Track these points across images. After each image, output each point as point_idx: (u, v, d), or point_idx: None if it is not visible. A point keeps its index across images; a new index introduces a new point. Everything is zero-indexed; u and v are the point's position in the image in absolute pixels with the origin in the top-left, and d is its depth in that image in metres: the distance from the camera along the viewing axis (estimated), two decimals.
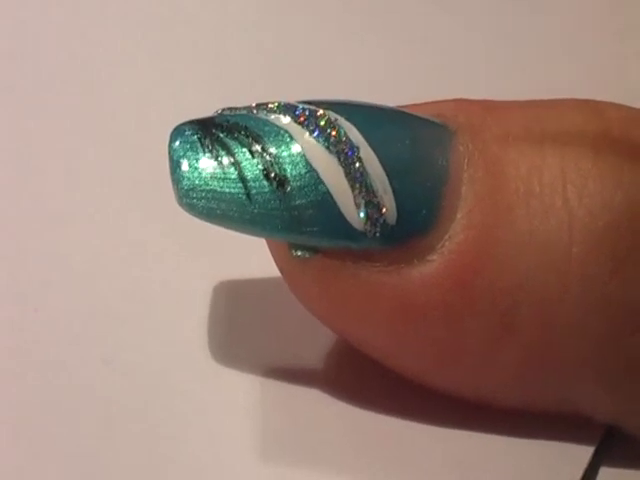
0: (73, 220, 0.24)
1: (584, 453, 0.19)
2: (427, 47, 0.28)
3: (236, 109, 0.19)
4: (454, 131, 0.19)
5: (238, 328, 0.22)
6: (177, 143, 0.19)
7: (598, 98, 0.19)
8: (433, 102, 0.20)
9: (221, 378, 0.21)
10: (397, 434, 0.20)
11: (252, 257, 0.22)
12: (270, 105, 0.19)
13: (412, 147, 0.18)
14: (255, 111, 0.19)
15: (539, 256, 0.18)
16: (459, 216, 0.18)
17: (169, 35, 0.28)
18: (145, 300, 0.22)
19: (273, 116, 0.19)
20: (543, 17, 0.28)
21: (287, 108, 0.19)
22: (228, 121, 0.19)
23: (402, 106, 0.19)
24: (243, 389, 0.21)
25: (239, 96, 0.21)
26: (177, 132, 0.19)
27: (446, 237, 0.18)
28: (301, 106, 0.19)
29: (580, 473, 0.19)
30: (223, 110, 0.19)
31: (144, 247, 0.23)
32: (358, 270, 0.19)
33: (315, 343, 0.21)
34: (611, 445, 0.19)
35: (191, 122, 0.19)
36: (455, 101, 0.19)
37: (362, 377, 0.21)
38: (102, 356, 0.21)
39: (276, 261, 0.20)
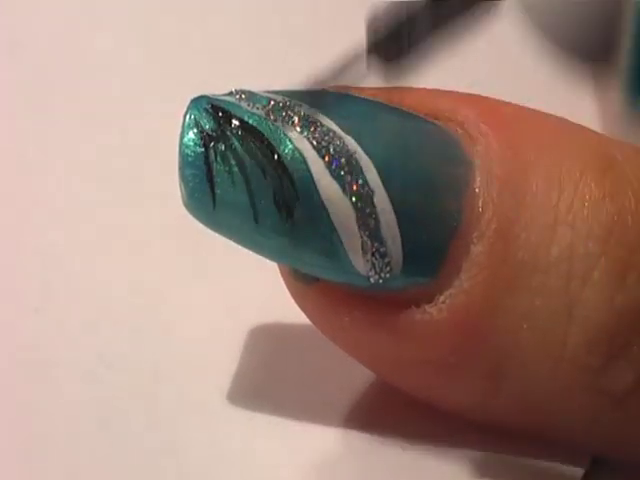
0: (73, 220, 0.24)
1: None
2: None
3: (252, 100, 0.18)
4: (472, 167, 0.18)
5: (238, 328, 0.22)
6: (190, 139, 0.18)
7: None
8: (455, 99, 0.19)
9: (221, 378, 0.21)
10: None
11: (254, 262, 0.22)
12: (290, 108, 0.18)
13: (430, 194, 0.18)
14: (272, 115, 0.18)
15: (535, 335, 0.18)
16: (463, 276, 0.18)
17: (169, 34, 0.28)
18: (145, 300, 0.22)
19: (291, 129, 0.18)
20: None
21: (308, 122, 0.18)
22: (246, 122, 0.18)
23: (423, 93, 0.19)
24: (244, 389, 0.21)
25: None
26: (191, 123, 0.18)
27: (447, 293, 0.18)
28: (324, 125, 0.18)
29: None
30: (239, 94, 0.18)
31: (144, 247, 0.23)
32: (355, 308, 0.18)
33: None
34: (599, 471, 0.20)
35: (207, 111, 0.18)
36: (478, 113, 0.19)
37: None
38: (102, 356, 0.21)
39: (282, 275, 0.20)
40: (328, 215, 0.18)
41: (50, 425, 0.20)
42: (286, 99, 0.18)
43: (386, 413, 0.20)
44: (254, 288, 0.22)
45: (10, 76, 0.27)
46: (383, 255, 0.18)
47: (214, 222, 0.18)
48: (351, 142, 0.18)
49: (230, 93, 0.19)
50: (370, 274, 0.18)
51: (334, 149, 0.18)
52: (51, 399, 0.21)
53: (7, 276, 0.23)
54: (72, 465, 0.20)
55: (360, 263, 0.18)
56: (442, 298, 0.18)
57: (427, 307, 0.18)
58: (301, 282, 0.19)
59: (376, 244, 0.18)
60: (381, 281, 0.18)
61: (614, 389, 0.18)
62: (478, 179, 0.18)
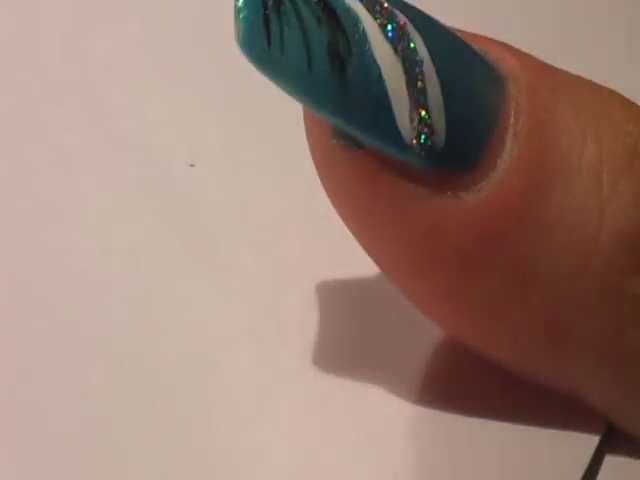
0: (73, 219, 0.24)
1: (586, 449, 0.20)
2: None
3: None
4: (505, 78, 0.19)
5: (238, 329, 0.22)
6: None
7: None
8: (481, 37, 0.20)
9: (222, 380, 0.21)
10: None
11: (253, 260, 0.23)
12: None
13: (471, 82, 0.19)
14: None
15: (567, 232, 0.18)
16: (500, 167, 0.18)
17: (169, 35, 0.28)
18: (146, 300, 0.22)
19: None
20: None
21: None
22: None
23: (453, 28, 0.19)
24: (244, 389, 0.21)
25: None
26: None
27: (484, 183, 0.18)
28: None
29: (582, 470, 0.19)
30: None
31: (145, 247, 0.23)
32: (394, 181, 0.18)
33: None
34: (613, 439, 0.20)
35: None
36: (506, 48, 0.19)
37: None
38: (102, 356, 0.21)
39: (313, 148, 0.19)
40: (380, 72, 0.18)
41: (50, 425, 0.20)
42: None
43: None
44: (253, 287, 0.22)
45: (10, 76, 0.27)
46: (428, 125, 0.18)
47: (267, 63, 0.18)
48: (402, 17, 0.18)
49: None
50: (414, 143, 0.18)
51: (388, 15, 0.18)
52: (51, 399, 0.20)
53: (7, 276, 0.22)
54: (72, 465, 0.19)
55: (406, 128, 0.18)
56: (478, 187, 0.18)
57: (463, 194, 0.18)
58: (343, 143, 0.19)
59: (423, 111, 0.18)
60: (423, 153, 0.18)
61: (637, 294, 0.18)
62: (511, 86, 0.19)
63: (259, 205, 0.24)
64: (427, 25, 0.19)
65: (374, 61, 0.18)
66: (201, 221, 0.23)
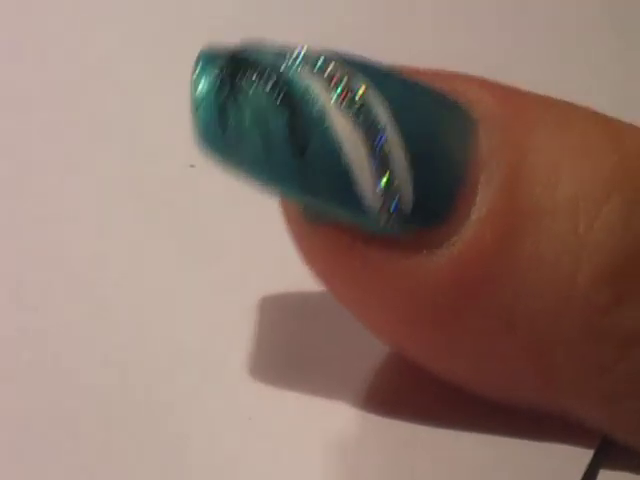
0: (74, 219, 0.24)
1: (582, 460, 0.20)
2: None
3: (264, 46, 0.18)
4: (475, 123, 0.18)
5: (239, 329, 0.22)
6: (202, 74, 0.18)
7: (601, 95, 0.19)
8: (456, 75, 0.19)
9: (222, 381, 0.21)
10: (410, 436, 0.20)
11: (251, 264, 0.23)
12: (303, 52, 0.18)
13: (437, 138, 0.18)
14: (285, 58, 0.18)
15: (544, 276, 0.18)
16: (472, 218, 0.18)
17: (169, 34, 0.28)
18: (146, 300, 0.22)
19: (304, 70, 0.18)
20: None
21: (320, 64, 0.18)
22: (259, 62, 0.18)
23: (425, 71, 0.19)
24: (245, 391, 0.21)
25: None
26: (204, 62, 0.18)
27: (456, 237, 0.18)
28: (335, 65, 0.18)
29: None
30: (248, 47, 0.19)
31: (145, 247, 0.23)
32: (366, 252, 0.18)
33: None
34: (608, 452, 0.19)
35: (220, 52, 0.18)
36: (479, 83, 0.19)
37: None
38: (102, 356, 0.21)
39: (287, 221, 0.19)
40: (340, 149, 0.18)
41: (50, 425, 0.20)
42: (299, 47, 0.19)
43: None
44: (256, 278, 0.22)
45: (10, 76, 0.27)
46: (394, 191, 0.18)
47: (226, 155, 0.18)
48: (363, 79, 0.18)
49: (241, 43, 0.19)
50: (382, 212, 0.18)
51: (346, 84, 0.18)
52: (51, 399, 0.21)
53: (7, 276, 0.23)
54: (72, 465, 0.20)
55: (371, 200, 0.18)
56: (451, 242, 0.18)
57: (436, 251, 0.18)
58: (309, 221, 0.19)
59: (387, 180, 0.18)
60: (391, 221, 0.18)
61: (620, 332, 0.18)
62: (482, 131, 0.18)
63: (259, 205, 0.24)
64: (390, 84, 0.18)
65: (333, 138, 0.18)
66: (201, 221, 0.24)
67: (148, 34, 0.28)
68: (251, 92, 0.18)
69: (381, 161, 0.18)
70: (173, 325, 0.22)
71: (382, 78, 0.18)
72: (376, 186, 0.18)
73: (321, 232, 0.19)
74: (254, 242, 0.23)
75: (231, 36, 0.19)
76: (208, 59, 0.18)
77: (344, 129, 0.18)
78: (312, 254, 0.19)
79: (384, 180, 0.18)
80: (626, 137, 0.19)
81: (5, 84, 0.26)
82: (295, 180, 0.18)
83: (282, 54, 0.18)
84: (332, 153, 0.18)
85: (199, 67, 0.18)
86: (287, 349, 0.21)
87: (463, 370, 0.19)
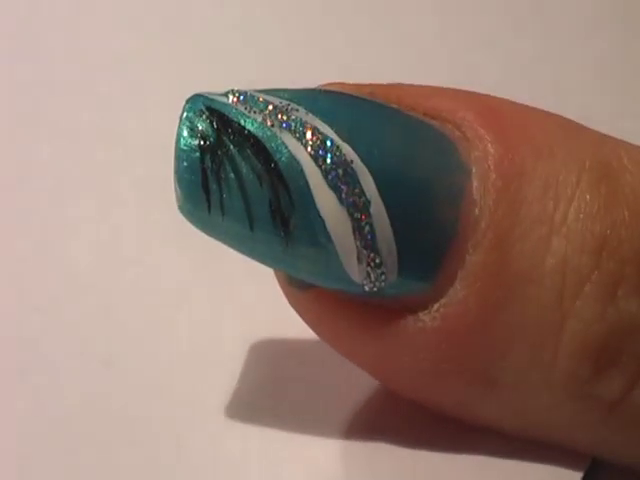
0: (75, 219, 0.24)
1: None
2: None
3: (249, 104, 0.18)
4: (469, 174, 0.18)
5: (239, 335, 0.22)
6: (186, 144, 0.18)
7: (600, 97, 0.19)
8: (455, 100, 0.19)
9: (221, 383, 0.21)
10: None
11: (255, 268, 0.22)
12: (288, 112, 0.18)
13: (427, 204, 0.18)
14: (270, 120, 0.18)
15: (527, 346, 0.18)
16: (458, 285, 0.18)
17: (171, 33, 0.28)
18: (147, 300, 0.22)
19: (289, 136, 0.18)
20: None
21: (305, 130, 0.18)
22: (243, 128, 0.18)
23: (422, 92, 0.19)
24: (244, 396, 0.21)
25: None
26: (187, 126, 0.18)
27: (441, 302, 0.18)
28: (322, 132, 0.18)
29: None
30: (236, 96, 0.18)
31: (146, 247, 0.23)
32: (351, 313, 0.19)
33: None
34: (597, 473, 0.20)
35: (202, 114, 0.18)
36: (476, 113, 0.18)
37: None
38: (102, 357, 0.21)
39: (279, 283, 0.19)
40: (324, 225, 0.18)
41: (50, 425, 0.20)
42: (284, 102, 0.18)
43: (388, 421, 0.20)
44: (254, 295, 0.22)
45: (10, 76, 0.27)
46: (378, 265, 0.18)
47: (209, 227, 0.18)
48: (349, 151, 0.18)
49: (227, 93, 0.18)
50: (365, 282, 0.18)
51: (331, 158, 0.18)
52: (51, 399, 0.21)
53: (7, 275, 0.23)
54: (72, 465, 0.20)
55: (355, 272, 0.18)
56: (436, 306, 0.18)
57: (421, 315, 0.18)
58: (296, 288, 0.19)
59: (372, 254, 0.18)
60: (375, 289, 0.18)
61: (605, 398, 0.18)
62: (475, 186, 0.18)
63: None
64: (380, 139, 0.18)
65: (318, 214, 0.18)
66: None
67: (151, 32, 0.28)
68: (234, 162, 0.18)
69: (365, 237, 0.18)
70: (173, 325, 0.22)
71: (371, 134, 0.18)
72: (360, 261, 0.18)
73: (308, 296, 0.19)
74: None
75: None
76: (190, 124, 0.18)
77: (328, 205, 0.18)
78: (302, 312, 0.19)
79: (369, 255, 0.18)
80: (621, 194, 0.18)
81: (5, 84, 0.26)
82: (278, 254, 0.18)
83: (266, 115, 0.18)
84: (315, 229, 0.18)
85: (182, 134, 0.18)
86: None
87: (450, 413, 0.20)
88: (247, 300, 0.22)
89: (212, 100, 0.18)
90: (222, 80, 0.25)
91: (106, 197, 0.24)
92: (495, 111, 0.19)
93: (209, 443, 0.20)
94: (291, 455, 0.20)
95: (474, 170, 0.18)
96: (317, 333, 0.20)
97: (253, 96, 0.18)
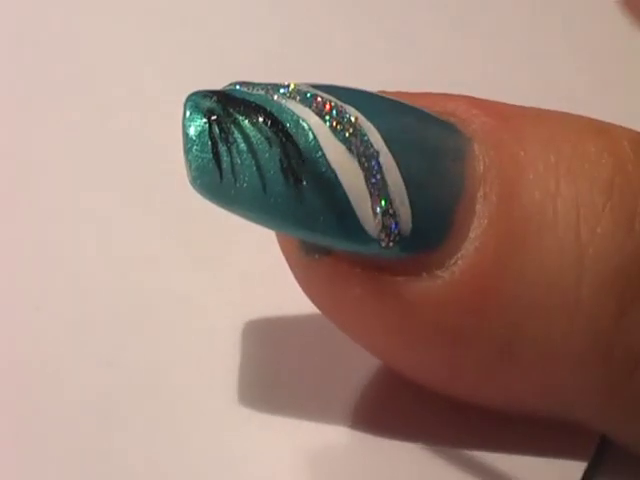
0: (75, 219, 0.24)
1: (578, 465, 0.19)
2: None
3: (252, 85, 0.18)
4: (469, 140, 0.18)
5: (239, 323, 0.22)
6: (192, 117, 0.18)
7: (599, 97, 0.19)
8: (444, 95, 0.19)
9: (223, 375, 0.21)
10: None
11: (256, 263, 0.23)
12: (290, 87, 0.18)
13: (431, 158, 0.18)
14: (273, 93, 0.18)
15: (547, 292, 0.18)
16: (472, 236, 0.18)
17: (170, 32, 0.28)
18: (147, 300, 0.22)
19: (293, 103, 0.18)
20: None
21: (309, 96, 0.18)
22: (247, 100, 0.18)
23: (412, 94, 0.19)
24: (246, 384, 0.21)
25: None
26: (192, 104, 0.18)
27: (458, 255, 0.18)
28: (325, 97, 0.18)
29: None
30: (237, 84, 0.18)
31: (147, 248, 0.23)
32: (367, 278, 0.18)
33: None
34: (605, 456, 0.19)
35: (206, 95, 0.18)
36: (468, 101, 0.19)
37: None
38: (103, 356, 0.21)
39: (286, 257, 0.19)
40: (336, 177, 0.18)
41: (50, 425, 0.20)
42: (285, 82, 0.18)
43: (391, 408, 0.20)
44: (255, 294, 0.22)
45: (10, 75, 0.27)
46: (392, 215, 0.18)
47: (222, 197, 0.18)
48: (352, 110, 0.18)
49: (226, 86, 0.19)
50: (381, 236, 0.18)
51: (337, 114, 0.18)
52: (51, 399, 0.21)
53: (7, 275, 0.23)
54: (72, 465, 0.20)
55: (370, 224, 0.18)
56: (452, 261, 0.18)
57: (438, 272, 0.18)
58: (310, 255, 0.19)
59: (384, 204, 0.18)
60: (392, 244, 0.18)
61: (628, 350, 0.18)
62: (476, 147, 0.18)
63: None
64: (380, 109, 0.18)
65: (328, 166, 0.18)
66: (201, 221, 0.23)
67: (151, 32, 0.28)
68: (242, 128, 0.18)
69: (377, 186, 0.18)
70: (173, 326, 0.22)
71: (372, 105, 0.18)
72: (374, 212, 0.18)
73: (319, 264, 0.19)
74: (255, 244, 0.23)
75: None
76: (195, 103, 0.18)
77: (338, 157, 0.18)
78: (312, 286, 0.19)
79: (382, 205, 0.18)
80: (622, 140, 0.19)
81: (6, 84, 0.26)
82: (292, 214, 0.18)
83: (269, 90, 0.18)
84: (327, 182, 0.18)
85: (187, 112, 0.18)
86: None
87: (462, 389, 0.19)
88: (247, 300, 0.22)
89: (213, 89, 0.18)
90: (222, 80, 0.25)
91: (106, 197, 0.24)
92: (488, 101, 0.19)
93: (210, 443, 0.20)
94: (295, 444, 0.20)
95: (474, 137, 0.19)
96: (327, 306, 0.19)
97: (254, 83, 0.19)
